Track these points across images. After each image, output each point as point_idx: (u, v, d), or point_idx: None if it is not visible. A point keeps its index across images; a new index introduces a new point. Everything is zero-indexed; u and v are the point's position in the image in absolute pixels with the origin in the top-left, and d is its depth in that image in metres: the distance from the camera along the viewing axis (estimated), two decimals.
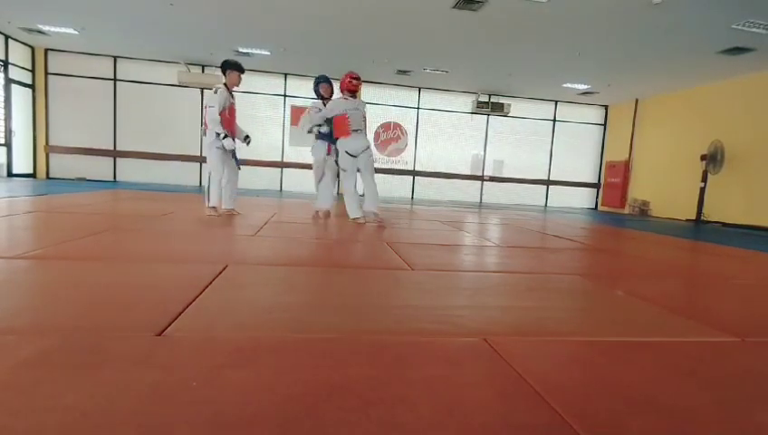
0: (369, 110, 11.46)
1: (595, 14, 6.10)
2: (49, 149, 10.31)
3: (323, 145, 4.94)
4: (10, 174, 9.41)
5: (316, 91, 5.00)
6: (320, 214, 5.08)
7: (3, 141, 9.23)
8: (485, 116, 11.97)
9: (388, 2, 6.22)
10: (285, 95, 10.99)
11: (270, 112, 11.02)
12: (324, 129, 4.81)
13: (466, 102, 11.79)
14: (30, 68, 9.93)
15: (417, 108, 11.72)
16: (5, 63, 9.12)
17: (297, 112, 11.08)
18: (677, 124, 10.09)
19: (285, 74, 10.83)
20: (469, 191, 12.30)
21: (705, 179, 9.02)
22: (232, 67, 4.54)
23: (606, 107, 12.38)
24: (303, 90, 11.05)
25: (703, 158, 8.97)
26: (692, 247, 4.81)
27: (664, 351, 1.48)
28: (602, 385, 1.18)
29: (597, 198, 12.75)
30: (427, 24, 7.00)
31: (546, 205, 12.54)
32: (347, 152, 4.66)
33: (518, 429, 0.95)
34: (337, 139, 4.71)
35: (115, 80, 10.43)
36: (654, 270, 3.19)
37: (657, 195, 10.60)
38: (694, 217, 9.19)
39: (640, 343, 1.55)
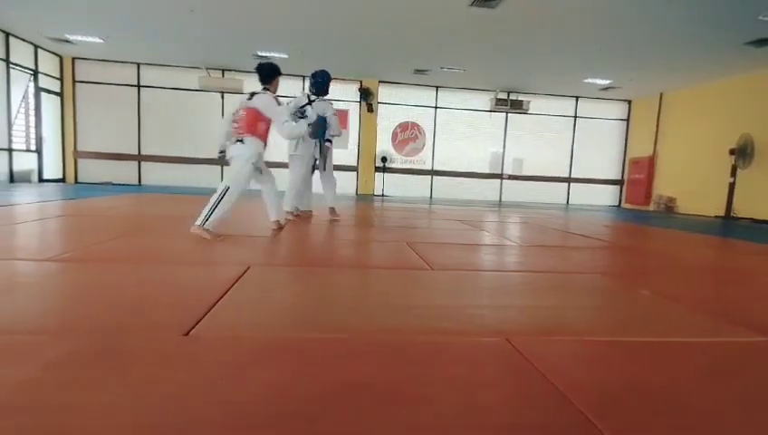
0: (387, 109, 11.56)
1: (616, 6, 5.97)
2: (77, 154, 10.64)
3: (312, 143, 4.67)
4: (41, 179, 9.74)
5: (326, 87, 4.63)
6: (303, 215, 4.87)
7: (34, 148, 9.56)
8: (504, 114, 11.84)
9: (404, 1, 6.21)
10: None
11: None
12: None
13: (485, 100, 11.68)
14: (58, 76, 10.26)
15: (435, 107, 11.67)
16: (35, 73, 9.45)
17: None
18: (704, 118, 9.79)
19: (303, 76, 10.91)
20: (488, 190, 12.18)
21: (734, 174, 8.73)
22: (279, 72, 3.76)
23: (629, 102, 12.09)
24: None
25: (732, 152, 8.68)
26: (720, 245, 4.66)
27: (691, 351, 1.44)
28: (627, 385, 1.15)
29: (620, 195, 12.47)
30: (444, 23, 6.96)
31: (568, 203, 12.33)
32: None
33: (542, 428, 0.93)
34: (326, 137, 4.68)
35: (139, 86, 10.69)
36: (680, 268, 3.10)
37: (683, 191, 10.31)
38: (723, 214, 8.90)
39: (666, 343, 1.51)
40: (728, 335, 1.63)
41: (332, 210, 4.82)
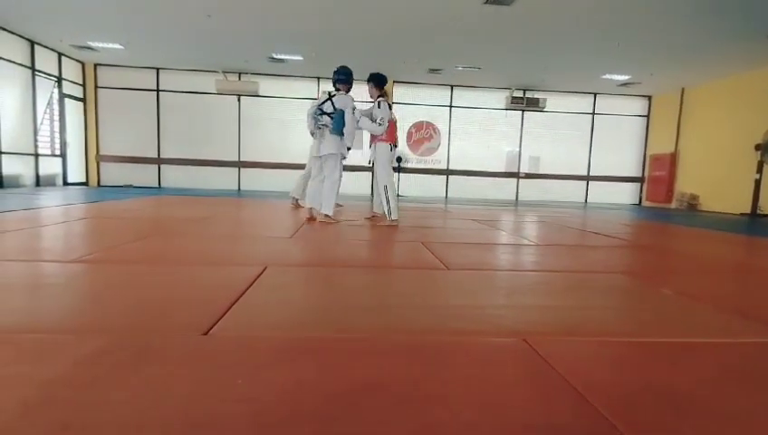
0: (402, 109, 11.55)
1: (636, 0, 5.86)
2: (99, 158, 10.91)
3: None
4: (65, 183, 10.02)
5: (347, 80, 4.56)
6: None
7: (58, 153, 9.84)
8: (520, 112, 11.72)
9: (418, 1, 6.20)
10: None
11: (303, 116, 11.20)
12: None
13: (500, 99, 11.58)
14: (81, 82, 10.54)
15: (450, 106, 11.62)
16: (59, 79, 9.72)
17: None
18: (728, 112, 9.53)
19: (318, 78, 10.99)
20: (505, 189, 12.07)
21: (760, 170, 8.48)
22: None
23: (649, 97, 11.84)
24: None
25: (757, 147, 8.43)
26: (746, 243, 4.54)
27: (716, 352, 1.41)
28: (649, 387, 1.13)
29: (641, 192, 12.22)
30: (458, 22, 6.93)
31: (586, 201, 12.14)
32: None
33: (561, 430, 0.92)
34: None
35: (158, 90, 10.91)
36: (705, 268, 3.03)
37: (706, 188, 10.05)
38: (748, 211, 8.65)
39: (690, 343, 1.47)
40: (754, 336, 1.58)
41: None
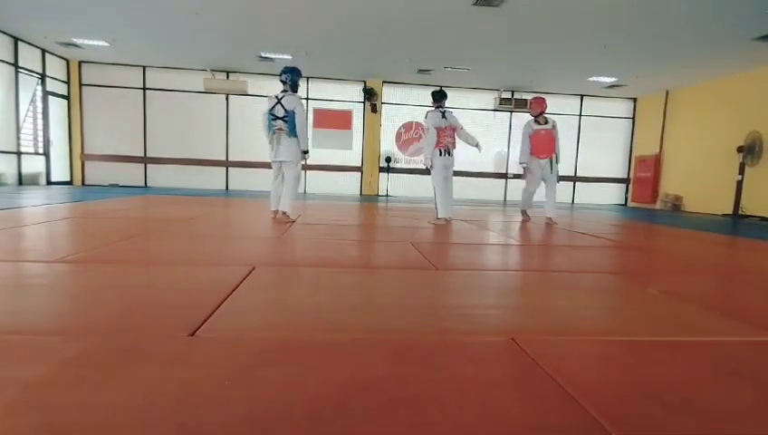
0: (391, 109, 11.53)
1: (621, 3, 5.94)
2: (84, 157, 10.73)
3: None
4: (49, 182, 9.83)
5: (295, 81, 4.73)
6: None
7: (42, 151, 9.65)
8: (509, 113, 11.80)
9: (408, 1, 6.21)
10: (308, 98, 11.11)
11: None
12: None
13: (489, 100, 11.65)
14: (65, 80, 10.35)
15: None
16: (43, 76, 9.53)
17: (320, 115, 11.18)
18: (711, 115, 9.70)
19: (308, 77, 10.95)
20: (493, 190, 12.15)
21: (742, 172, 8.65)
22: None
23: (634, 100, 12.01)
24: (326, 92, 11.16)
25: (740, 149, 8.61)
26: (730, 243, 4.63)
27: (702, 350, 1.43)
28: (636, 386, 1.15)
29: (626, 193, 12.38)
30: (447, 23, 6.95)
31: (573, 202, 12.27)
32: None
33: (549, 430, 0.93)
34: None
35: (144, 88, 10.76)
36: (690, 267, 3.08)
37: (690, 189, 10.23)
38: (730, 212, 8.83)
39: (676, 342, 1.50)
40: (742, 335, 1.61)
41: (285, 214, 4.58)
